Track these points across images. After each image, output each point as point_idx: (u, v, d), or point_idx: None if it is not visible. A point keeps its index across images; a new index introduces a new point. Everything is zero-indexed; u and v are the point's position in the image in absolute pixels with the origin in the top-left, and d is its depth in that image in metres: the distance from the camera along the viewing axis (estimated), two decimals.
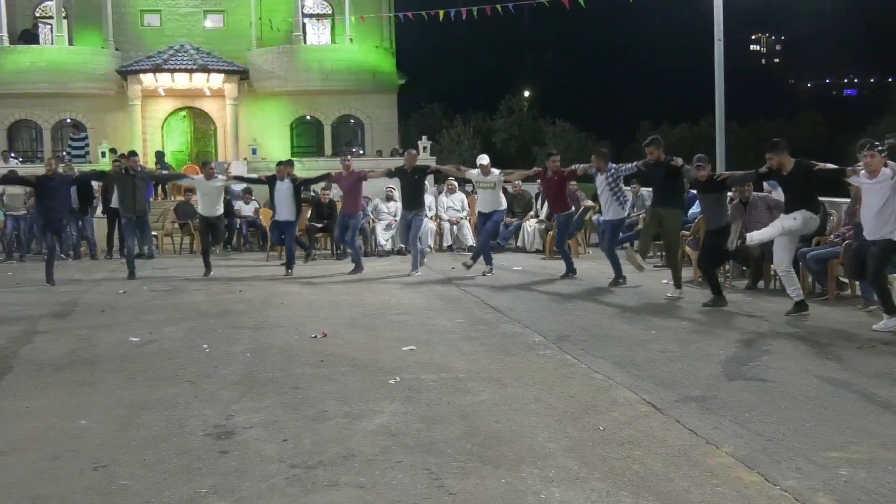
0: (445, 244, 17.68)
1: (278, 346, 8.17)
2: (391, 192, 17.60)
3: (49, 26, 33.10)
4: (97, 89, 32.07)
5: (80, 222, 17.19)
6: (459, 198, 18.04)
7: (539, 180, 13.97)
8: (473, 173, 13.83)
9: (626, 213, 12.77)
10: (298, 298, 11.35)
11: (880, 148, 8.31)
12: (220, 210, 14.45)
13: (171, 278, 13.63)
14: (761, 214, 10.89)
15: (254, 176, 16.58)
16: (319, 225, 16.86)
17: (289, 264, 14.01)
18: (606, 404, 5.88)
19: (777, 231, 9.10)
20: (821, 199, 9.06)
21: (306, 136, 34.67)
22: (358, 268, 13.93)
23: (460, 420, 5.55)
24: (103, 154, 28.34)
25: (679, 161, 10.80)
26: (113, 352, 8.06)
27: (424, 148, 31.56)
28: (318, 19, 34.67)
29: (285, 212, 13.96)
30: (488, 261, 13.41)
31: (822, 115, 75.45)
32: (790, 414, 5.54)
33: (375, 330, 8.93)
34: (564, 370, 6.94)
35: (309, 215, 16.95)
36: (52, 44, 32.50)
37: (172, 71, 31.40)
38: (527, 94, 73.26)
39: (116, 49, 32.45)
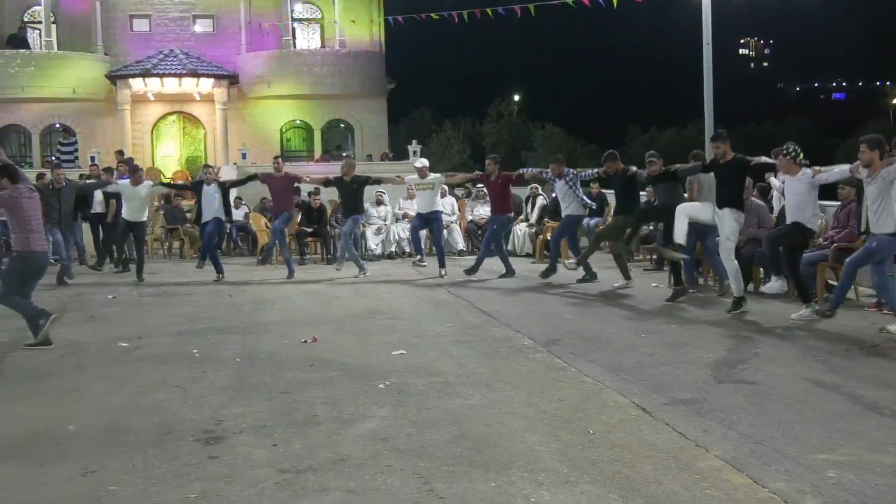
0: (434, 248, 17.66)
1: (268, 350, 8.16)
2: (381, 196, 17.62)
3: (38, 31, 32.97)
4: (86, 94, 31.94)
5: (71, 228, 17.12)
6: (449, 202, 18.03)
7: (482, 183, 14.79)
8: (410, 179, 14.20)
9: (586, 212, 13.70)
10: (288, 303, 11.33)
11: (788, 152, 9.19)
12: (144, 217, 14.52)
13: (161, 283, 13.58)
14: (750, 222, 10.89)
15: (181, 182, 16.47)
16: (309, 230, 16.86)
17: (202, 258, 14.07)
18: (596, 408, 5.89)
19: (726, 246, 9.72)
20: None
21: (296, 140, 34.63)
22: (291, 274, 13.92)
23: (450, 424, 5.55)
24: (92, 159, 28.22)
25: (633, 168, 11.95)
26: (101, 357, 8.04)
27: (415, 152, 31.53)
28: (307, 23, 34.64)
29: (211, 214, 13.90)
30: (442, 264, 13.77)
31: (811, 118, 75.71)
32: (778, 416, 5.56)
33: (365, 334, 8.92)
34: (554, 374, 6.95)
35: (299, 220, 16.95)
36: (41, 48, 32.37)
37: (162, 76, 31.32)
38: (516, 98, 73.32)
39: (105, 54, 32.34)
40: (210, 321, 9.88)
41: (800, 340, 8.09)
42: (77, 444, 5.31)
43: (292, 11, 33.82)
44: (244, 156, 30.42)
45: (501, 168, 13.81)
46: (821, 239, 10.57)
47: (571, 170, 13.06)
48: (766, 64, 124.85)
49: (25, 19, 33.35)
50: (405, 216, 17.59)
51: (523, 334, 8.65)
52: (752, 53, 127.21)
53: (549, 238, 14.62)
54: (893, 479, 4.42)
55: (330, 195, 18.00)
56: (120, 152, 25.57)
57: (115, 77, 31.42)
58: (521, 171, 14.26)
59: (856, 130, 55.66)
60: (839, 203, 10.42)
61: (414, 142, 33.07)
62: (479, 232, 17.32)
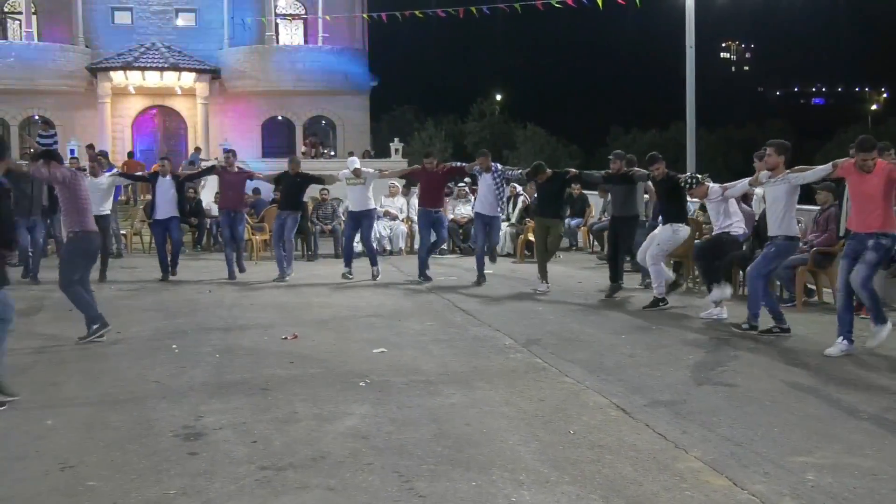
0: (416, 246, 17.63)
1: (248, 347, 8.13)
2: None
3: (18, 21, 32.73)
4: (66, 86, 31.77)
5: (49, 221, 17.01)
6: (400, 202, 18.02)
7: (416, 178, 14.73)
8: (343, 173, 13.96)
9: (500, 213, 13.48)
10: (268, 299, 11.30)
11: (690, 184, 10.07)
12: (107, 210, 14.13)
13: (140, 279, 13.50)
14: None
15: (138, 174, 16.24)
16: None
17: (174, 263, 13.71)
18: (576, 408, 5.91)
19: (654, 252, 10.41)
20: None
21: (278, 136, 34.57)
22: (231, 275, 13.62)
23: (430, 423, 5.55)
24: (72, 152, 28.02)
25: (572, 171, 12.36)
26: (80, 351, 7.99)
27: (396, 150, 31.54)
28: (290, 19, 34.55)
29: (166, 209, 13.70)
30: (374, 262, 13.63)
31: (791, 122, 76.18)
32: (758, 419, 5.59)
33: (345, 332, 8.91)
34: (534, 374, 6.96)
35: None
36: (21, 39, 32.12)
37: (143, 69, 31.21)
38: (498, 97, 73.38)
39: (86, 46, 32.17)
40: (190, 317, 9.84)
41: (778, 344, 8.14)
42: (55, 439, 5.27)
43: (276, 7, 33.74)
44: (225, 150, 30.29)
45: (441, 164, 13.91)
46: (801, 243, 10.63)
47: (499, 166, 13.16)
48: (746, 67, 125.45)
49: (5, 9, 33.11)
50: (386, 214, 17.56)
51: (504, 334, 8.66)
52: (734, 57, 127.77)
53: (530, 238, 14.66)
54: (871, 481, 4.45)
55: (311, 192, 17.97)
56: (90, 146, 25.14)
57: (96, 69, 31.27)
58: (454, 164, 14.40)
59: (835, 135, 56.13)
60: (818, 208, 10.50)
61: (396, 139, 33.08)
62: (461, 231, 17.34)
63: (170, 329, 9.08)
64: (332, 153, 33.11)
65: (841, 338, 7.66)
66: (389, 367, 7.17)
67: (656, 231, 10.83)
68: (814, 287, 10.50)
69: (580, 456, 4.89)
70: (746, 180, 9.36)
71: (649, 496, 4.30)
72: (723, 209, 9.87)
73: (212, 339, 8.55)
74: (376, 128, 45.99)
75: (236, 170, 14.18)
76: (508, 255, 16.64)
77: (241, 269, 14.01)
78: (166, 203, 13.67)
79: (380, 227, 17.27)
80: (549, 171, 12.17)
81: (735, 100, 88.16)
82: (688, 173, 10.36)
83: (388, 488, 4.42)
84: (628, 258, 12.46)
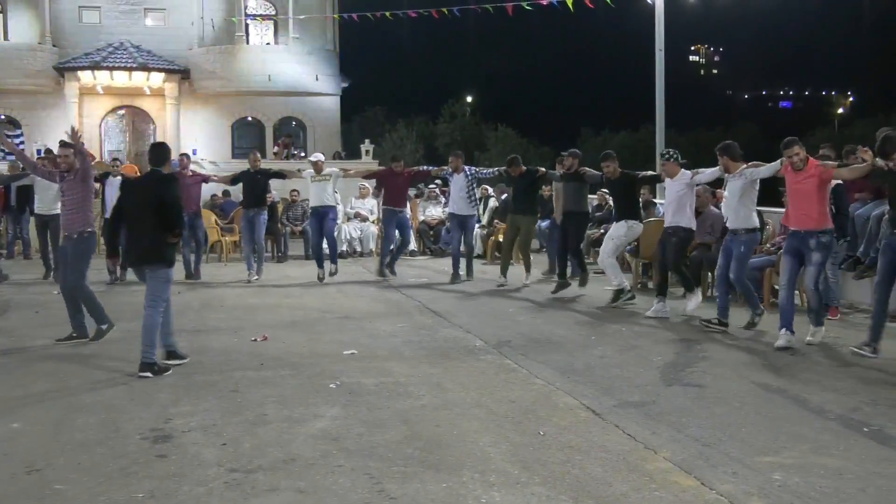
0: (369, 248, 17.60)
1: (217, 348, 8.09)
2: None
3: None
4: (33, 85, 31.41)
5: (16, 221, 16.83)
6: (371, 203, 18.00)
7: (381, 179, 14.76)
8: (307, 172, 13.95)
9: (474, 212, 13.86)
10: (238, 301, 11.24)
11: (668, 156, 10.07)
12: (58, 209, 13.92)
13: (104, 280, 13.36)
14: (705, 229, 11.02)
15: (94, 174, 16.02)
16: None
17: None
18: (547, 409, 5.92)
19: (608, 248, 10.84)
20: (757, 208, 9.41)
21: (248, 137, 34.36)
22: (189, 276, 13.54)
23: (401, 424, 5.55)
24: (38, 152, 27.70)
25: (542, 169, 12.68)
26: (47, 353, 7.92)
27: (367, 151, 31.48)
28: (260, 20, 34.38)
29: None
30: (334, 260, 13.63)
31: (759, 125, 76.79)
32: (726, 419, 5.63)
33: (316, 333, 8.88)
34: (505, 375, 6.98)
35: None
36: None
37: (111, 69, 30.91)
38: (469, 99, 73.44)
39: (54, 45, 31.82)
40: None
41: (746, 345, 8.21)
42: (22, 442, 5.22)
43: (246, 7, 33.56)
44: (195, 152, 30.08)
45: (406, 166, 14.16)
46: (768, 245, 10.73)
47: (472, 167, 13.53)
48: (715, 71, 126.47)
49: None
50: (357, 215, 17.53)
51: (474, 335, 8.67)
52: (703, 60, 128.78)
53: (499, 240, 14.72)
54: (837, 481, 4.50)
55: (281, 192, 17.92)
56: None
57: (64, 69, 30.95)
58: (423, 167, 14.75)
59: (802, 138, 56.54)
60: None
61: (367, 140, 33.02)
62: (431, 232, 17.35)
63: (138, 331, 8.96)
64: (303, 154, 32.99)
65: (784, 329, 8.05)
66: (360, 369, 7.16)
67: (611, 228, 11.15)
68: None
69: (550, 457, 4.91)
70: (717, 168, 9.37)
71: (618, 497, 4.32)
72: (683, 200, 9.95)
73: (181, 340, 8.44)
74: (347, 129, 45.83)
75: (190, 173, 14.02)
76: (479, 256, 16.64)
77: (196, 276, 13.59)
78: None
79: (350, 229, 17.26)
80: (522, 167, 12.53)
81: (704, 103, 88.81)
82: (667, 149, 10.45)
83: (358, 490, 4.41)
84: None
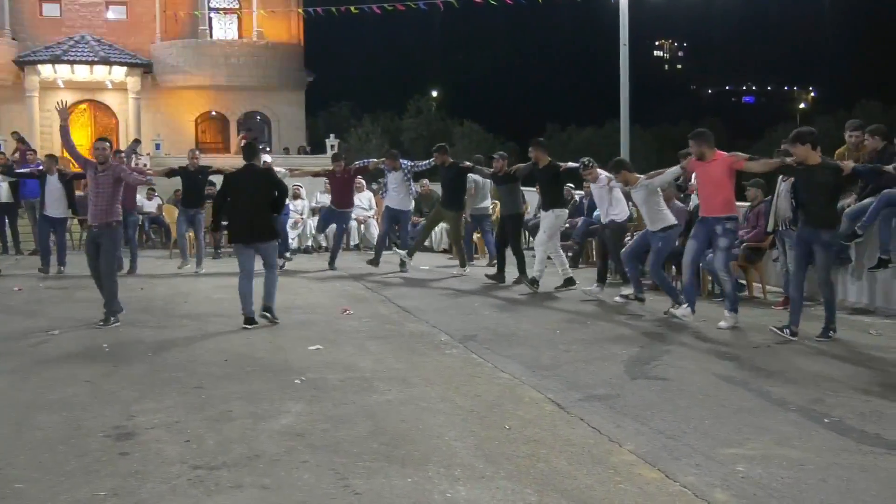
0: (353, 243, 17.59)
1: (181, 345, 8.03)
2: (298, 189, 17.43)
3: None
4: None
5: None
6: (367, 196, 17.97)
7: (327, 178, 15.20)
8: None
9: (409, 207, 14.27)
10: (202, 297, 11.16)
11: (585, 165, 10.93)
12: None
13: (71, 275, 13.23)
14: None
15: (26, 170, 15.96)
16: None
17: (60, 260, 13.52)
18: (512, 403, 5.94)
19: (541, 239, 11.40)
20: None
21: (211, 131, 34.10)
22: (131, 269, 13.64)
23: (366, 419, 5.54)
24: None
25: (467, 163, 13.19)
26: (7, 350, 7.81)
27: (332, 146, 31.33)
28: (224, 13, 34.09)
29: (57, 208, 13.55)
30: (282, 253, 13.65)
31: (723, 120, 77.39)
32: (690, 412, 5.68)
33: (281, 329, 8.85)
34: (471, 369, 6.99)
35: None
36: None
37: (72, 62, 30.50)
38: (435, 94, 73.37)
39: (13, 38, 31.34)
40: (121, 315, 9.65)
41: (710, 338, 8.28)
42: None
43: (209, 1, 33.28)
44: (157, 146, 29.84)
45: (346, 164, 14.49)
46: None
47: (407, 162, 13.92)
48: (679, 66, 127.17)
49: None
50: (316, 213, 17.52)
51: (440, 330, 8.67)
52: (667, 55, 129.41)
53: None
54: (799, 472, 4.55)
55: None
56: (14, 133, 24.01)
57: (23, 63, 30.50)
58: (362, 163, 15.01)
59: (765, 133, 57.13)
60: (748, 204, 10.69)
61: (332, 135, 32.89)
62: (396, 227, 17.30)
63: (100, 327, 8.91)
64: (268, 149, 32.79)
65: (685, 305, 8.92)
66: (325, 365, 7.14)
67: (541, 219, 11.72)
68: (744, 282, 10.68)
69: (515, 451, 4.92)
70: (677, 168, 9.52)
71: (583, 489, 4.34)
72: (604, 199, 10.82)
73: (144, 337, 8.42)
74: (312, 124, 45.58)
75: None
76: (445, 250, 16.65)
77: (132, 270, 13.58)
78: (54, 202, 13.54)
79: (313, 225, 17.17)
80: (449, 157, 13.03)
81: (669, 98, 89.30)
82: (585, 158, 11.13)
83: (323, 486, 4.39)
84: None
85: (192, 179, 13.62)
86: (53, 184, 13.44)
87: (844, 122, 10.67)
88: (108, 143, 9.60)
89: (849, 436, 5.18)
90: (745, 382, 6.49)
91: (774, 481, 4.42)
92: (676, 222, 9.76)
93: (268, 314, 9.06)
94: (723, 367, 7.02)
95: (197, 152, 14.48)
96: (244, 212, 9.08)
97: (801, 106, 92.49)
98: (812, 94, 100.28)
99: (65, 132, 9.99)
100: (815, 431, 5.27)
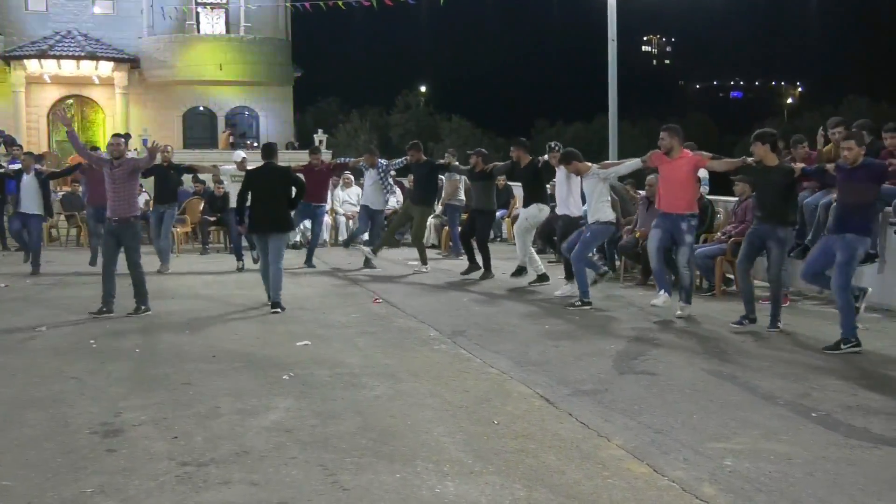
0: (341, 238, 17.57)
1: (169, 341, 8.01)
2: None
3: None
4: None
5: None
6: (355, 192, 17.94)
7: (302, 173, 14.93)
8: (227, 168, 14.27)
9: (384, 206, 14.57)
10: (190, 293, 11.13)
11: (551, 145, 11.14)
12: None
13: (57, 272, 13.17)
14: (652, 217, 11.13)
15: (0, 170, 15.89)
16: (212, 219, 16.56)
17: (34, 261, 13.24)
18: (501, 398, 5.94)
19: (522, 226, 11.48)
20: (709, 197, 9.65)
21: (199, 127, 33.96)
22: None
23: (355, 415, 5.53)
24: None
25: (441, 161, 13.57)
26: None
27: (321, 141, 31.27)
28: (211, 8, 33.94)
29: (31, 205, 13.55)
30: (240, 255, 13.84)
31: (711, 116, 77.67)
32: (678, 407, 5.69)
33: (269, 325, 8.83)
34: (459, 365, 6.98)
35: (202, 208, 16.67)
36: None
37: (59, 57, 30.36)
38: (423, 89, 73.38)
39: None
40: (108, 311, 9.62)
41: (698, 333, 8.30)
42: None
43: None
44: (145, 142, 29.65)
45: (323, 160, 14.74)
46: (719, 233, 10.86)
47: (383, 161, 14.05)
48: (667, 61, 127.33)
49: None
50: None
51: (429, 325, 8.66)
52: (655, 51, 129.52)
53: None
54: (786, 466, 4.56)
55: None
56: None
57: (10, 58, 30.34)
58: (341, 160, 15.36)
59: (753, 127, 57.26)
60: (736, 199, 10.72)
61: (320, 131, 32.83)
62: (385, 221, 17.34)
63: (88, 323, 8.88)
64: (255, 144, 32.70)
65: (662, 290, 8.98)
66: (314, 360, 7.13)
67: (523, 212, 11.75)
68: (732, 276, 10.71)
69: (504, 446, 4.92)
70: (637, 161, 9.71)
71: (572, 484, 4.34)
72: (564, 190, 10.80)
73: (131, 333, 8.39)
74: (300, 119, 45.57)
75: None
76: (433, 245, 16.63)
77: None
78: (29, 199, 13.55)
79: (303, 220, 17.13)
80: (423, 155, 13.30)
81: (657, 93, 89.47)
82: (551, 142, 11.40)
83: (311, 482, 4.38)
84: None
85: (165, 176, 13.50)
86: (29, 182, 13.46)
87: (832, 116, 10.75)
88: (122, 139, 9.98)
89: (836, 430, 5.19)
90: (733, 377, 6.51)
91: (762, 475, 4.43)
92: (615, 221, 10.20)
93: (277, 309, 9.51)
94: (710, 362, 7.03)
95: (169, 147, 14.39)
96: (263, 205, 9.78)
97: (789, 101, 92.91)
98: (799, 89, 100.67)
99: (72, 136, 10.34)
100: (803, 425, 5.28)
